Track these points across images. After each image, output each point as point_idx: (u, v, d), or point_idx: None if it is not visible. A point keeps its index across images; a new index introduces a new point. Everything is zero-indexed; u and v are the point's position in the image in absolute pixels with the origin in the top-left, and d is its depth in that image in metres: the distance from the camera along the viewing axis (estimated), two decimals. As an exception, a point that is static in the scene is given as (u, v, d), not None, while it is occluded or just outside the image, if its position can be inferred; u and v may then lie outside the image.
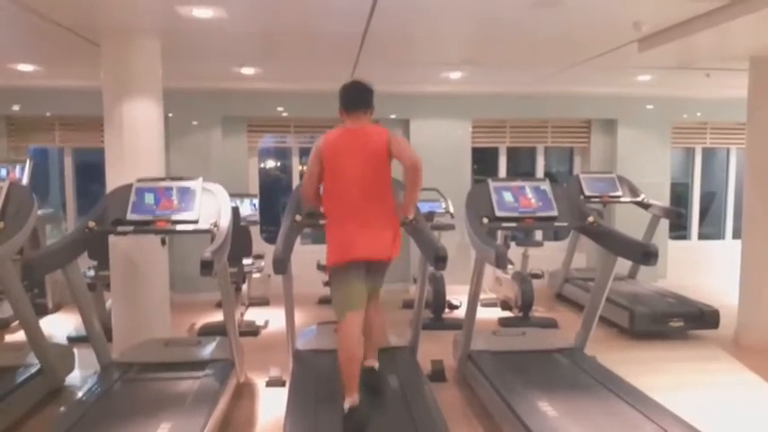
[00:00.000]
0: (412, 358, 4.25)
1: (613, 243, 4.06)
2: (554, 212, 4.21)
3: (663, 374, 4.58)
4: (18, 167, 6.10)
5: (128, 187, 4.00)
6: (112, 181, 4.44)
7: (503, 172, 7.97)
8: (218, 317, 5.85)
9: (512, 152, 8.11)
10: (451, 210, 6.56)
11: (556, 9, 3.86)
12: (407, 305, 6.05)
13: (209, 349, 4.26)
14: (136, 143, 4.53)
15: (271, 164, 8.78)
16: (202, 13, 3.95)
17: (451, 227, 6.46)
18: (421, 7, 3.92)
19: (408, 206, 3.44)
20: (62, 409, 3.53)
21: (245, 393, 4.28)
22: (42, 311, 6.00)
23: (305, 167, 7.71)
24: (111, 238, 4.44)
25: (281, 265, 3.52)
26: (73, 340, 5.16)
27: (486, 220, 4.06)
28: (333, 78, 6.47)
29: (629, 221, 6.87)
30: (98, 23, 4.38)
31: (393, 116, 7.40)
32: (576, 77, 6.47)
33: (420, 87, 7.12)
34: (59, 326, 5.78)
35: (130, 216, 3.85)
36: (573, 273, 7.09)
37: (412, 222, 3.76)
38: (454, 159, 7.52)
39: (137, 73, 4.53)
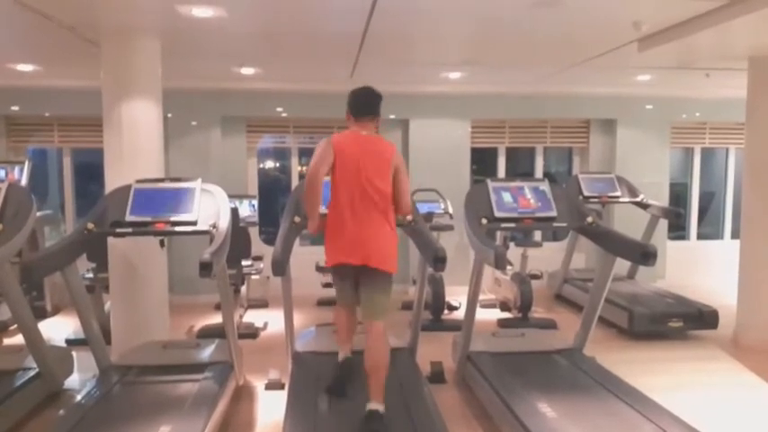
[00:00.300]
0: (411, 359, 4.24)
1: (612, 243, 4.06)
2: (553, 213, 4.21)
3: (662, 375, 4.58)
4: (17, 168, 6.09)
5: (127, 188, 3.99)
6: (111, 182, 4.43)
7: (502, 172, 7.97)
8: (216, 319, 5.86)
9: (511, 152, 8.11)
10: (450, 210, 6.56)
11: (555, 9, 3.86)
12: (406, 306, 6.04)
13: (207, 352, 4.25)
14: (135, 143, 4.52)
15: (270, 164, 8.78)
16: (202, 12, 3.95)
17: (450, 227, 6.46)
18: (421, 7, 3.92)
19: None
20: (61, 412, 3.51)
21: (244, 396, 4.28)
22: (41, 314, 5.99)
23: (304, 168, 7.81)
24: (110, 240, 4.42)
25: (280, 266, 3.51)
26: (72, 343, 5.15)
27: (485, 221, 4.06)
28: (332, 79, 6.54)
29: (627, 222, 6.88)
30: (97, 23, 4.37)
31: (392, 116, 7.40)
32: (576, 77, 6.47)
33: (419, 87, 7.12)
34: (58, 329, 5.77)
35: (129, 217, 3.84)
36: (572, 273, 7.09)
37: (411, 223, 3.76)
38: (453, 159, 7.52)
39: (136, 73, 4.52)
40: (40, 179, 7.98)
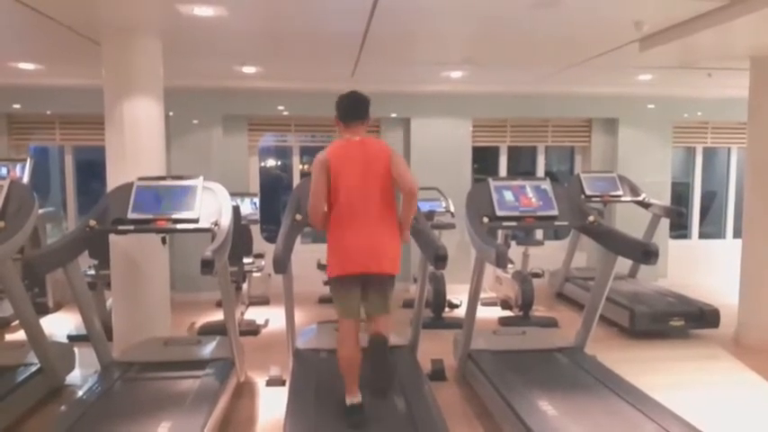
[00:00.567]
0: (412, 357, 4.25)
1: (614, 242, 4.06)
2: (555, 212, 4.21)
3: (663, 373, 4.58)
4: (19, 166, 6.11)
5: (128, 186, 4.00)
6: (113, 179, 4.44)
7: (503, 171, 7.97)
8: (218, 316, 5.86)
9: (512, 151, 8.11)
10: (452, 209, 6.57)
11: (556, 9, 3.86)
12: (408, 304, 6.04)
13: (209, 348, 4.26)
14: (137, 141, 4.52)
15: (271, 163, 8.79)
16: (203, 11, 3.95)
17: (452, 226, 6.47)
18: (422, 7, 3.92)
19: (404, 228, 3.38)
20: (62, 408, 3.53)
21: (245, 392, 4.29)
22: (43, 310, 6.00)
23: (305, 166, 7.82)
24: (112, 237, 4.44)
25: (282, 264, 3.51)
26: (73, 339, 5.16)
27: (486, 220, 4.06)
28: (334, 78, 6.54)
29: (629, 221, 6.87)
30: (99, 22, 4.38)
31: (394, 115, 7.41)
32: (577, 77, 6.47)
33: (421, 86, 7.12)
34: (60, 325, 5.79)
35: (131, 215, 3.85)
36: (573, 272, 7.09)
37: (412, 222, 3.75)
38: (455, 158, 7.52)
39: (138, 71, 4.52)
40: (42, 177, 7.99)
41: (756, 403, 4.18)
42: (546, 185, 4.34)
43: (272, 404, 4.05)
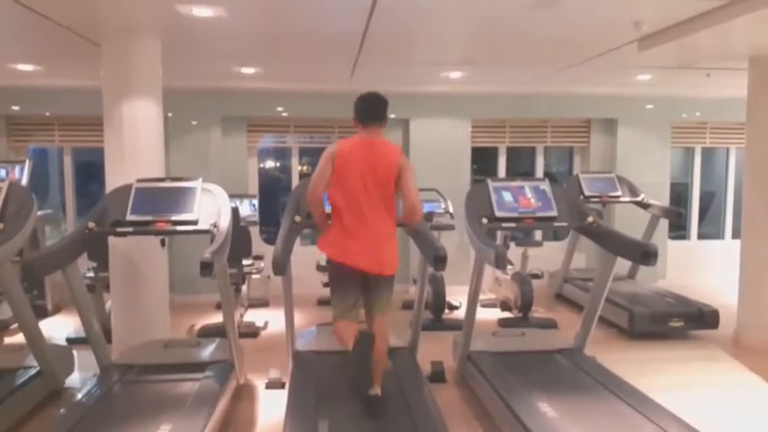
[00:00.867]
0: (412, 359, 4.25)
1: (613, 243, 4.06)
2: (554, 212, 4.21)
3: (662, 375, 4.58)
4: (17, 168, 6.10)
5: (127, 187, 3.99)
6: (112, 181, 4.43)
7: (502, 172, 7.97)
8: (217, 318, 5.87)
9: (511, 152, 8.11)
10: (451, 210, 6.56)
11: (555, 9, 3.86)
12: (407, 306, 6.04)
13: (208, 351, 4.26)
14: (136, 143, 4.51)
15: (270, 164, 8.78)
16: (202, 12, 3.95)
17: (451, 227, 6.46)
18: (421, 7, 3.92)
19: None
20: (62, 410, 3.52)
21: (244, 395, 4.28)
22: (42, 313, 5.99)
23: (305, 168, 7.81)
24: (111, 239, 4.43)
25: (281, 266, 3.51)
26: (72, 342, 5.15)
27: (485, 221, 4.06)
28: (333, 78, 6.54)
29: (628, 221, 6.88)
30: (98, 22, 4.37)
31: (393, 116, 7.35)
32: (576, 77, 6.47)
33: (420, 87, 7.11)
34: (59, 327, 5.78)
35: (130, 217, 3.84)
36: (572, 273, 7.09)
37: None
38: (454, 159, 7.52)
39: (136, 72, 4.51)
40: (41, 178, 7.98)
41: (756, 404, 4.18)
42: (545, 186, 4.34)
43: (271, 406, 4.05)
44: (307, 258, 6.09)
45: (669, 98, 7.72)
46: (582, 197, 6.38)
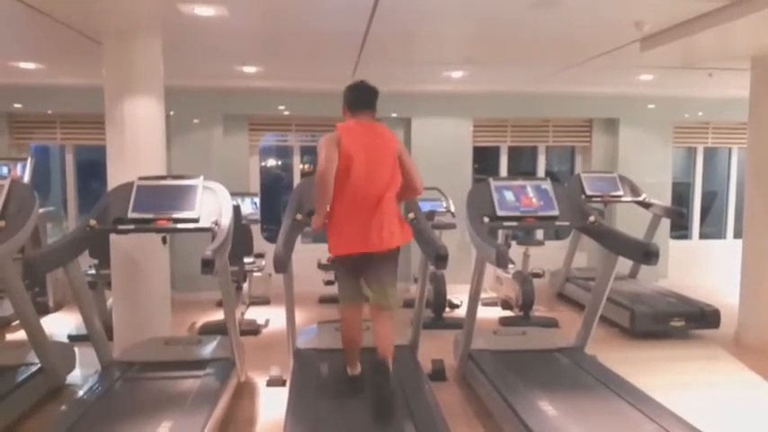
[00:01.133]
0: (412, 357, 4.25)
1: (614, 242, 4.06)
2: (555, 212, 4.21)
3: (663, 374, 4.58)
4: (19, 165, 6.11)
5: (129, 185, 4.00)
6: (114, 179, 4.44)
7: (504, 171, 7.97)
8: (218, 316, 5.85)
9: (513, 151, 8.11)
10: (452, 209, 6.56)
11: (557, 9, 3.86)
12: (408, 304, 6.02)
13: (209, 348, 4.26)
14: (137, 141, 4.52)
15: (272, 162, 8.79)
16: (204, 11, 3.95)
17: (452, 226, 6.46)
18: (422, 7, 3.92)
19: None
20: (63, 407, 3.53)
21: (245, 392, 4.28)
22: (43, 310, 6.00)
23: (306, 166, 7.82)
24: (113, 237, 4.44)
25: (282, 263, 3.52)
26: (74, 339, 5.16)
27: (487, 220, 4.06)
28: (334, 77, 6.52)
29: (630, 221, 6.86)
30: (100, 21, 4.38)
31: (394, 115, 7.40)
32: (578, 77, 6.46)
33: (421, 86, 7.11)
34: (60, 324, 5.79)
35: (131, 214, 3.85)
36: (574, 272, 7.09)
37: (413, 221, 3.76)
38: (455, 158, 7.52)
39: (138, 71, 4.52)
40: (43, 176, 8.00)
41: (757, 404, 4.18)
42: (546, 185, 4.34)
43: (272, 404, 4.05)
44: (308, 256, 6.10)
45: (671, 98, 7.71)
46: (583, 197, 6.37)
